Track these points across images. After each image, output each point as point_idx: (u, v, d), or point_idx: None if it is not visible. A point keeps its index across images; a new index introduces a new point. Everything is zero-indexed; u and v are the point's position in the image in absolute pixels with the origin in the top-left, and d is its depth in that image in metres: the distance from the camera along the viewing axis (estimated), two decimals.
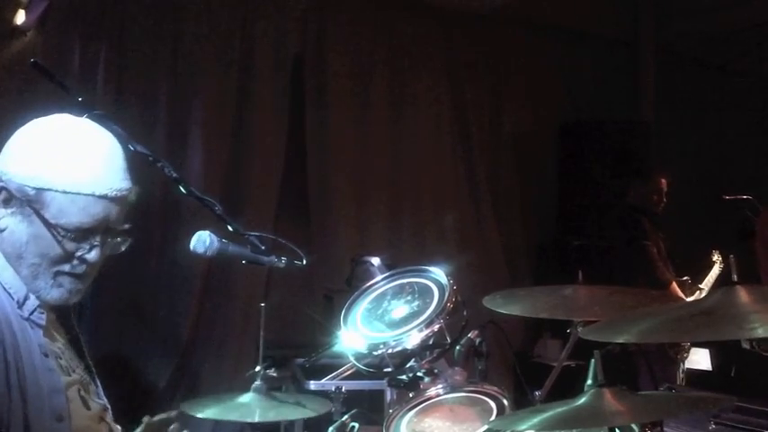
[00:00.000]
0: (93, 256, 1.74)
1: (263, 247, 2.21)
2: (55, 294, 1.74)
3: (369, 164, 5.79)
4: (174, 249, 4.60)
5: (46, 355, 1.70)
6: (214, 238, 2.11)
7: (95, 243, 1.74)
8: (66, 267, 1.73)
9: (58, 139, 1.72)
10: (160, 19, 5.00)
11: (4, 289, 1.69)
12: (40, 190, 1.68)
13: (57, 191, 1.68)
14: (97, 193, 1.70)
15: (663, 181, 5.47)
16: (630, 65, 6.96)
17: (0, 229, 1.72)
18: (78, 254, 1.73)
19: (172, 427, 2.03)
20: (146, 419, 2.02)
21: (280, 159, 5.37)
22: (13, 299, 1.69)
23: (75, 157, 1.71)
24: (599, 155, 6.33)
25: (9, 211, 1.70)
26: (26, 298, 1.71)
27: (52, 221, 1.68)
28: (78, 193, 1.69)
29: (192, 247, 2.11)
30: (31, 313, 1.71)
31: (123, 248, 1.83)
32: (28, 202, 1.68)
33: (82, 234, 1.72)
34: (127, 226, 1.80)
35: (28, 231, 1.70)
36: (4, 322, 1.64)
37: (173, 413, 2.14)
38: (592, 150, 6.36)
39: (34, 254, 1.70)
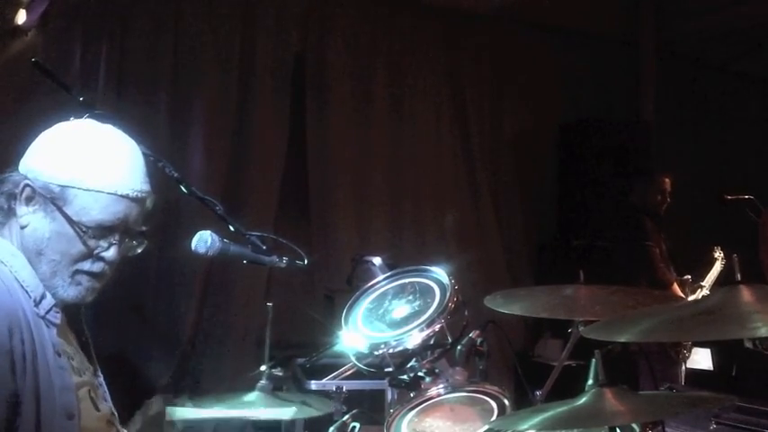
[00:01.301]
0: (111, 254, 1.79)
1: (264, 247, 2.21)
2: (72, 292, 1.78)
3: (369, 163, 5.79)
4: (175, 249, 4.60)
5: (59, 354, 1.73)
6: (215, 238, 2.11)
7: (114, 242, 1.79)
8: (86, 266, 1.78)
9: (83, 141, 1.79)
10: (161, 19, 5.01)
11: (22, 287, 1.72)
12: (64, 187, 1.74)
13: (81, 188, 1.74)
14: (119, 193, 1.77)
15: (667, 181, 5.46)
16: (631, 64, 6.96)
17: (22, 226, 1.77)
18: (97, 251, 1.78)
19: None
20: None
21: (280, 159, 5.38)
22: (30, 296, 1.72)
23: (100, 158, 1.77)
24: (599, 154, 6.33)
25: (31, 209, 1.76)
26: (42, 296, 1.74)
27: (75, 218, 1.74)
28: (101, 192, 1.75)
29: (193, 247, 2.11)
30: (47, 312, 1.74)
31: (139, 250, 1.88)
32: (51, 199, 1.74)
33: (102, 232, 1.77)
34: (144, 228, 1.85)
35: (50, 228, 1.75)
36: (22, 319, 1.67)
37: None
38: (592, 150, 6.36)
39: (55, 250, 1.75)
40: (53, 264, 1.75)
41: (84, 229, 1.74)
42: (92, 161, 1.76)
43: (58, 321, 1.76)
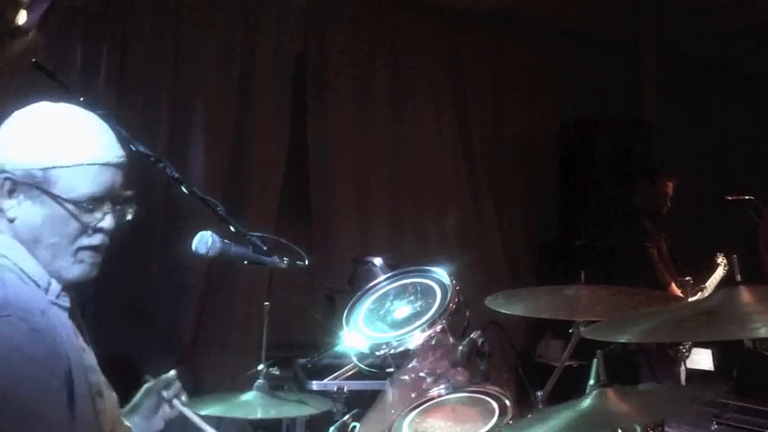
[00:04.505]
0: (107, 223, 1.79)
1: (264, 248, 2.21)
2: (76, 270, 1.78)
3: (370, 163, 5.79)
4: (176, 250, 4.59)
5: (77, 336, 1.75)
6: (216, 238, 2.11)
7: (107, 210, 1.79)
8: (85, 241, 1.77)
9: (50, 121, 1.78)
10: (162, 19, 5.01)
11: (30, 278, 1.72)
12: (46, 169, 1.72)
13: (64, 166, 1.72)
14: (102, 161, 1.76)
15: (669, 184, 5.46)
16: (632, 64, 6.96)
17: (10, 219, 1.75)
18: (93, 224, 1.78)
19: (171, 389, 2.20)
20: (146, 383, 2.17)
21: (281, 159, 5.37)
22: (39, 286, 1.72)
23: (73, 133, 1.76)
24: (600, 154, 6.32)
25: (16, 200, 1.74)
26: (49, 283, 1.74)
27: (64, 197, 1.73)
28: (84, 164, 1.74)
29: (194, 247, 2.11)
30: (57, 297, 1.75)
31: (130, 215, 1.87)
32: (36, 184, 1.72)
33: (93, 204, 1.76)
34: (130, 192, 1.85)
35: (41, 213, 1.73)
36: (47, 310, 1.68)
37: (171, 374, 2.24)
38: (593, 150, 6.35)
39: (51, 233, 1.74)
40: (53, 247, 1.74)
41: (75, 206, 1.73)
42: (66, 138, 1.75)
43: (68, 305, 1.77)
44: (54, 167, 1.72)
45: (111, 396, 1.87)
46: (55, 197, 1.72)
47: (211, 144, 5.11)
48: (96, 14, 4.79)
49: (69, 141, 1.74)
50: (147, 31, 4.95)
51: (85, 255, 1.78)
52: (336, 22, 5.69)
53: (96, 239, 1.78)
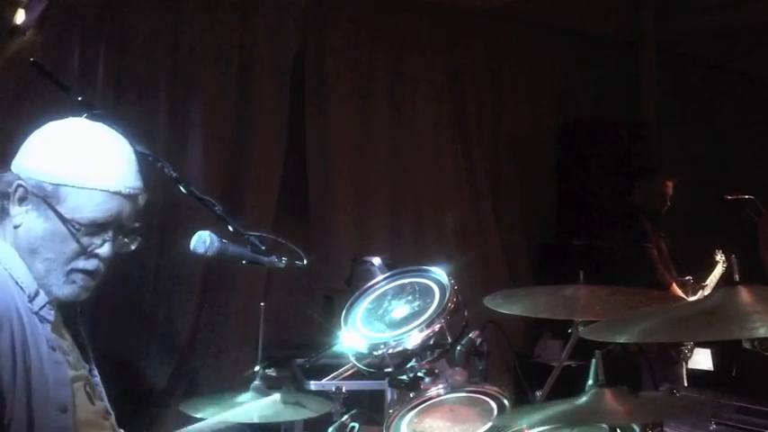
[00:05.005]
0: (104, 250, 1.80)
1: (263, 248, 2.21)
2: (66, 290, 1.80)
3: (369, 163, 5.79)
4: (174, 249, 4.60)
5: (53, 349, 1.75)
6: (214, 238, 2.11)
7: (107, 239, 1.80)
8: (80, 264, 1.79)
9: (75, 139, 1.80)
10: (160, 19, 5.00)
11: (16, 283, 1.74)
12: (56, 186, 1.75)
13: (73, 186, 1.75)
14: (111, 190, 1.78)
15: (669, 183, 5.46)
16: (632, 64, 6.96)
17: (15, 225, 1.78)
18: (90, 249, 1.79)
19: None
20: None
21: (279, 159, 5.37)
22: (24, 292, 1.74)
23: (92, 156, 1.78)
24: (600, 154, 6.32)
25: (24, 208, 1.77)
26: (36, 293, 1.76)
27: (67, 216, 1.75)
28: (93, 189, 1.76)
29: (192, 247, 2.11)
30: (41, 308, 1.76)
31: (133, 247, 1.89)
32: (44, 197, 1.75)
33: (95, 229, 1.78)
34: (137, 225, 1.87)
35: (43, 227, 1.76)
36: (14, 313, 1.69)
37: None
38: (592, 150, 6.35)
39: (49, 249, 1.76)
40: (48, 262, 1.77)
41: (77, 227, 1.75)
42: (84, 159, 1.77)
43: (51, 318, 1.77)
44: (64, 185, 1.75)
45: (88, 407, 1.84)
46: (58, 214, 1.75)
47: (210, 143, 5.11)
48: (95, 14, 4.78)
49: (85, 163, 1.76)
50: (146, 30, 4.95)
51: (78, 277, 1.80)
52: (336, 22, 5.68)
53: (91, 264, 1.80)
